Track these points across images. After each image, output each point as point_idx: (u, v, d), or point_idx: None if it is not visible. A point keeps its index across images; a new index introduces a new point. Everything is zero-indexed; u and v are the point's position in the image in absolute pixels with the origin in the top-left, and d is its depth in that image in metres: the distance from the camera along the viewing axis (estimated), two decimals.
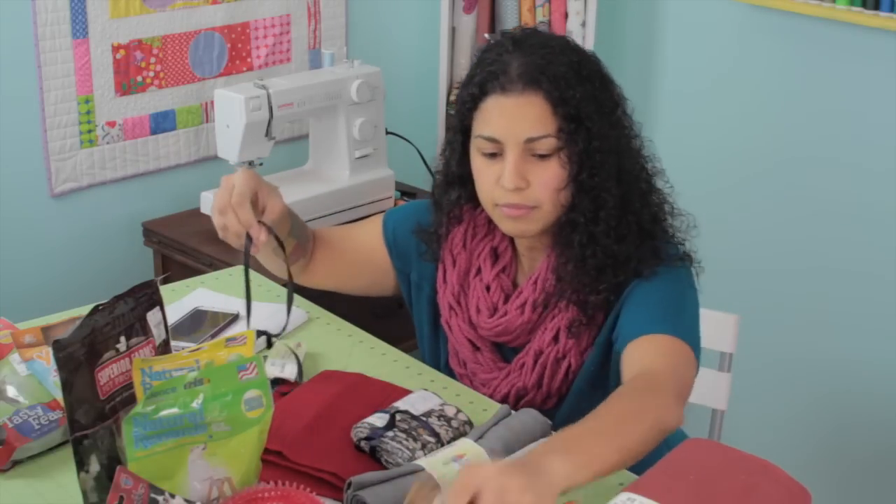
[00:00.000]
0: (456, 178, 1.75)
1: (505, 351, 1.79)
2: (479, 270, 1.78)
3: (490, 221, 1.76)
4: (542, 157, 1.62)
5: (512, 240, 1.78)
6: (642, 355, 1.58)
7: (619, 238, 1.66)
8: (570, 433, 1.37)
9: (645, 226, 1.68)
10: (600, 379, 1.70)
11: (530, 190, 1.63)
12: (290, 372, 1.74)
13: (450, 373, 1.85)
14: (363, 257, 1.89)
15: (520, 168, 1.62)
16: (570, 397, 1.73)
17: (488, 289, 1.76)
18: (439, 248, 1.81)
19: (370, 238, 1.89)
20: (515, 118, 1.61)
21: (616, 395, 1.48)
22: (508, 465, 1.25)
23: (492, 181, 1.65)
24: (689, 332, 1.63)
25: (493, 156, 1.64)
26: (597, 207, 1.64)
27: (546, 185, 1.63)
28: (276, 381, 1.70)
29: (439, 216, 1.80)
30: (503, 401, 1.74)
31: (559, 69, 1.61)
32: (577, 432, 1.37)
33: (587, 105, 1.62)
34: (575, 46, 1.68)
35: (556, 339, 1.71)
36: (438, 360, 1.89)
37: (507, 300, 1.75)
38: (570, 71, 1.62)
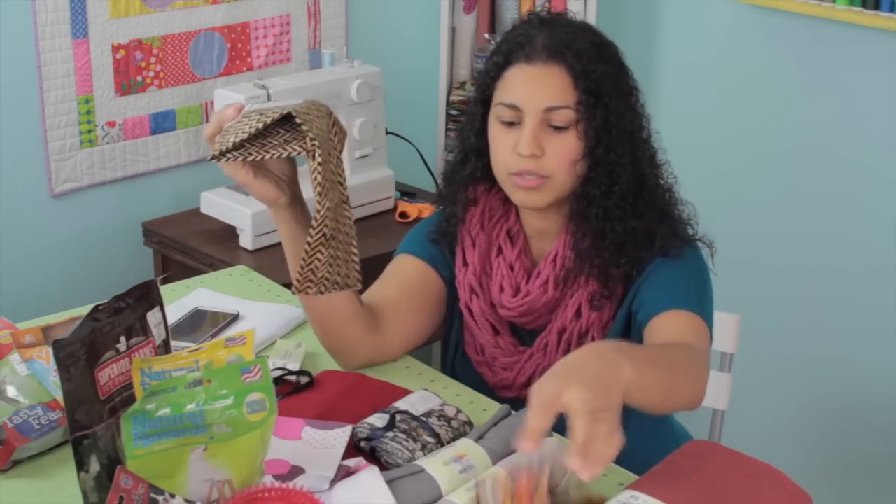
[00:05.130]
0: (473, 151, 1.77)
1: (523, 335, 1.80)
2: (500, 250, 1.79)
3: (505, 203, 1.78)
4: (559, 129, 1.66)
5: (522, 223, 1.79)
6: (676, 328, 1.62)
7: (637, 214, 1.69)
8: (640, 353, 1.41)
9: (660, 204, 1.72)
10: None
11: (545, 159, 1.66)
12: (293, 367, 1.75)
13: (465, 362, 1.85)
14: (429, 298, 1.82)
15: (537, 136, 1.66)
16: None
17: (512, 268, 1.77)
18: (457, 236, 1.81)
19: (420, 277, 1.82)
20: (537, 86, 1.66)
21: (673, 346, 1.55)
22: (589, 385, 1.20)
23: (508, 149, 1.68)
24: (709, 314, 1.69)
25: (510, 125, 1.68)
26: (612, 182, 1.68)
27: (561, 155, 1.66)
28: (278, 381, 1.70)
29: (452, 200, 1.80)
30: (528, 383, 1.72)
31: (583, 45, 1.67)
32: (646, 355, 1.41)
33: (606, 83, 1.67)
34: (598, 31, 1.75)
35: (578, 314, 1.73)
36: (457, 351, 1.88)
37: (528, 280, 1.76)
38: (593, 49, 1.68)
